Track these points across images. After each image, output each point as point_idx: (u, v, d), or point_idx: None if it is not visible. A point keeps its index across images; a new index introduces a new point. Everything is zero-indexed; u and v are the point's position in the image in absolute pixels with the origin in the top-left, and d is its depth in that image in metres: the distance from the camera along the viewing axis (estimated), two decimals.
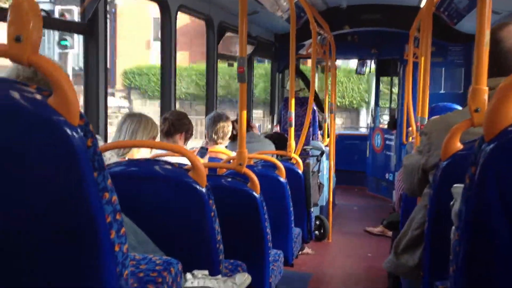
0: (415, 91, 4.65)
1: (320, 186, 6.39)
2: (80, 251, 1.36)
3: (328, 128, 7.25)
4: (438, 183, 1.96)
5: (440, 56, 7.69)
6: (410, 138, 5.29)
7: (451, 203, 1.59)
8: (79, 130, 1.28)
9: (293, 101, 4.75)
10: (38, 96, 1.26)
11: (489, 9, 1.80)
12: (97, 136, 2.66)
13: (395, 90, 9.66)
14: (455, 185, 1.61)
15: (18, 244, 1.32)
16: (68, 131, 1.26)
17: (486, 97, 1.80)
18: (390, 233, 5.42)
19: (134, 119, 3.46)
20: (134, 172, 2.34)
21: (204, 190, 2.24)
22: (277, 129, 8.10)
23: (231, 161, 3.48)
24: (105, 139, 3.70)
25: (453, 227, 1.56)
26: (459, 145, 1.90)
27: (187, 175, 2.24)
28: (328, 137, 7.15)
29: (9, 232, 1.31)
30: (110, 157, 2.56)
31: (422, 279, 2.11)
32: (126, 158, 3.24)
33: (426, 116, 3.91)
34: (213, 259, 2.28)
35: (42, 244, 1.32)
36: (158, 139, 3.74)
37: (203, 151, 3.84)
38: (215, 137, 4.41)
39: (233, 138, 4.79)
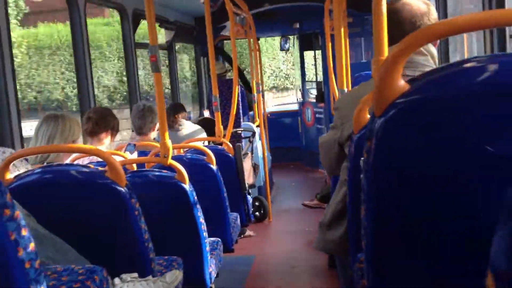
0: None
1: (256, 167, 6.37)
2: None
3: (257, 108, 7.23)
4: (353, 156, 1.96)
5: (357, 26, 7.77)
6: None
7: (361, 175, 1.58)
8: None
9: (216, 85, 4.67)
10: None
11: None
12: (7, 149, 2.49)
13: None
14: (363, 158, 1.60)
15: None
16: None
17: None
18: (325, 205, 5.47)
19: (50, 123, 3.20)
20: (48, 179, 2.21)
21: (123, 189, 2.14)
22: (207, 113, 8.01)
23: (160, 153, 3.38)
24: (21, 145, 3.49)
25: None
26: (368, 117, 1.89)
27: (104, 176, 2.13)
28: (258, 117, 7.13)
29: None
30: (19, 166, 2.40)
31: (350, 252, 2.11)
32: (45, 164, 3.07)
33: (348, 88, 3.93)
34: (142, 259, 2.20)
35: None
36: (80, 140, 3.55)
37: (130, 148, 3.71)
38: (145, 129, 4.27)
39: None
